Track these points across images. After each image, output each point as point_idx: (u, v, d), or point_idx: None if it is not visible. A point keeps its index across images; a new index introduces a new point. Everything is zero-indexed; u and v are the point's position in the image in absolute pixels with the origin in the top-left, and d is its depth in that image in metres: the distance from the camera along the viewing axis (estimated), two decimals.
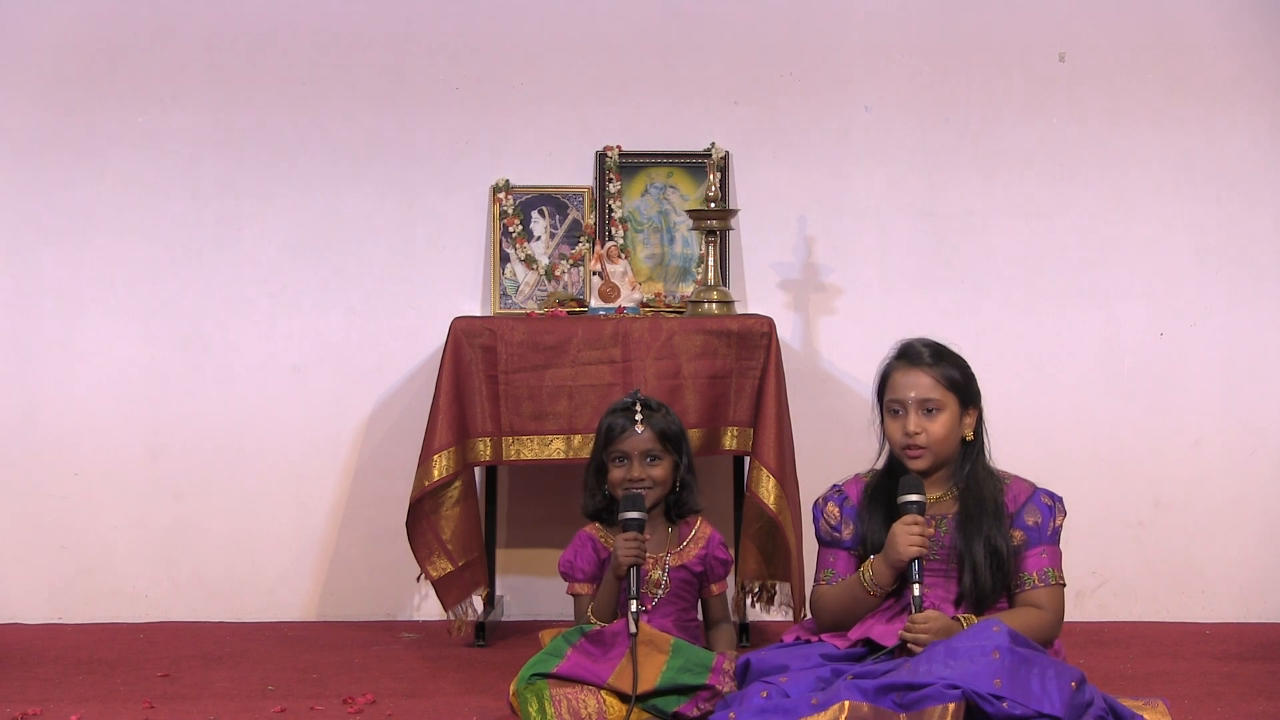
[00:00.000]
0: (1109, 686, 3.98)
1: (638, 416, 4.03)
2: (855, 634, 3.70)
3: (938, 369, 3.75)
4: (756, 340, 4.70)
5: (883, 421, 3.81)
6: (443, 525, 4.70)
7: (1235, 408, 5.15)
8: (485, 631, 4.78)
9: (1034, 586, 3.71)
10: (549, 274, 5.12)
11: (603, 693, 3.68)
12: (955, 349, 3.82)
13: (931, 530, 3.67)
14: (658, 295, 5.10)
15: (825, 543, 3.87)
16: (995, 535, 3.70)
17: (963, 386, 3.76)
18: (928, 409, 3.73)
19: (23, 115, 5.13)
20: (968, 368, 3.80)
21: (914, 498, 3.67)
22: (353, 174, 5.17)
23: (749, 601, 4.74)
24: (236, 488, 5.16)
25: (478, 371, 4.71)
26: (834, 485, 3.90)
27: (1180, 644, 4.79)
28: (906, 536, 3.62)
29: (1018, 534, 3.73)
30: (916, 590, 3.60)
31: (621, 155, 5.14)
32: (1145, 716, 3.54)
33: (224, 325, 5.16)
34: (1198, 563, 5.15)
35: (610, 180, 5.12)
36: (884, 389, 3.80)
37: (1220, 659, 4.59)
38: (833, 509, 3.85)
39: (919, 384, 3.74)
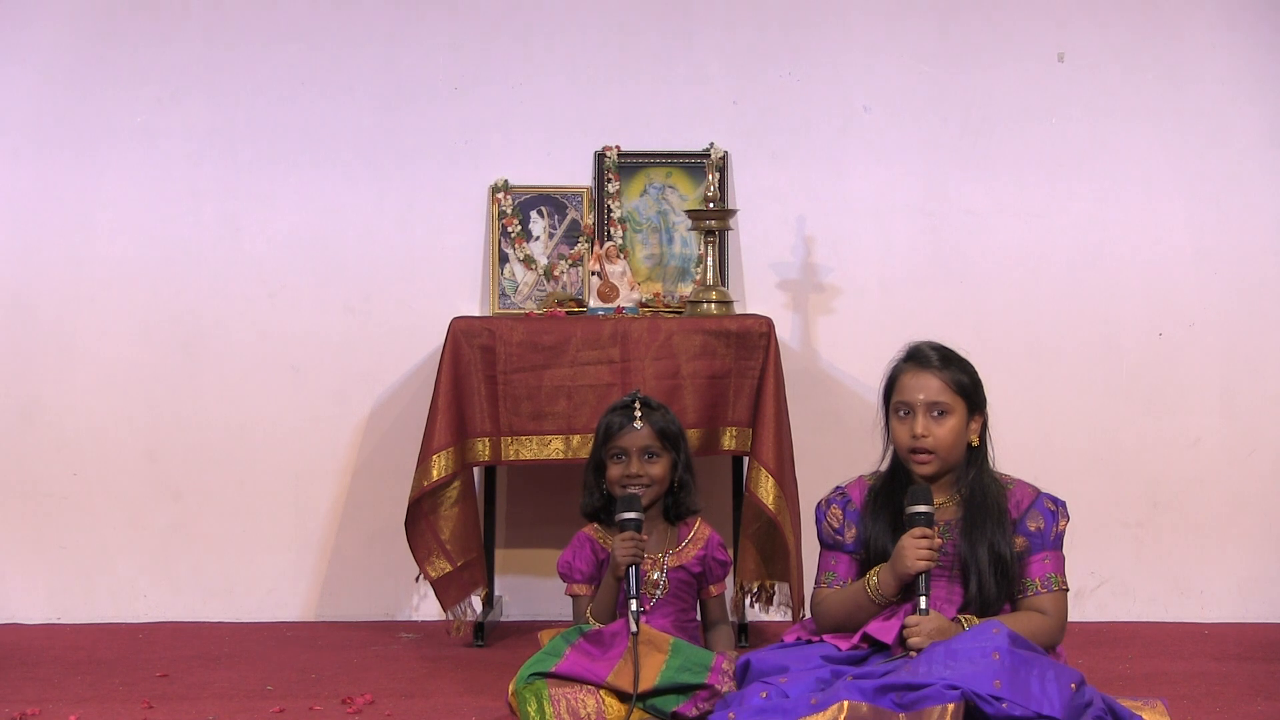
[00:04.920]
0: (1107, 687, 3.98)
1: (637, 413, 4.03)
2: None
3: (947, 373, 3.71)
4: (755, 340, 4.70)
5: (888, 424, 3.78)
6: (441, 525, 4.70)
7: (1234, 408, 5.15)
8: (484, 631, 4.78)
9: (1037, 592, 3.68)
10: (548, 274, 5.12)
11: (601, 692, 3.69)
12: (963, 354, 3.79)
13: (940, 542, 3.64)
14: (656, 295, 5.10)
15: (827, 545, 3.83)
16: (999, 541, 3.67)
17: (970, 392, 3.73)
18: (936, 412, 3.69)
19: (22, 114, 5.13)
20: (975, 373, 3.76)
21: (923, 509, 3.64)
22: (352, 174, 5.17)
23: (748, 602, 4.74)
24: (235, 488, 5.16)
25: (476, 371, 4.71)
26: (837, 487, 3.87)
27: (1179, 644, 4.79)
28: (915, 550, 3.60)
29: (1020, 540, 3.70)
30: (923, 603, 3.58)
31: (620, 155, 5.14)
32: (1144, 717, 3.54)
33: (224, 325, 5.16)
34: (1196, 563, 5.15)
35: (609, 180, 5.12)
36: (891, 391, 3.76)
37: (1218, 659, 4.59)
38: (836, 511, 3.81)
39: (928, 387, 3.70)
